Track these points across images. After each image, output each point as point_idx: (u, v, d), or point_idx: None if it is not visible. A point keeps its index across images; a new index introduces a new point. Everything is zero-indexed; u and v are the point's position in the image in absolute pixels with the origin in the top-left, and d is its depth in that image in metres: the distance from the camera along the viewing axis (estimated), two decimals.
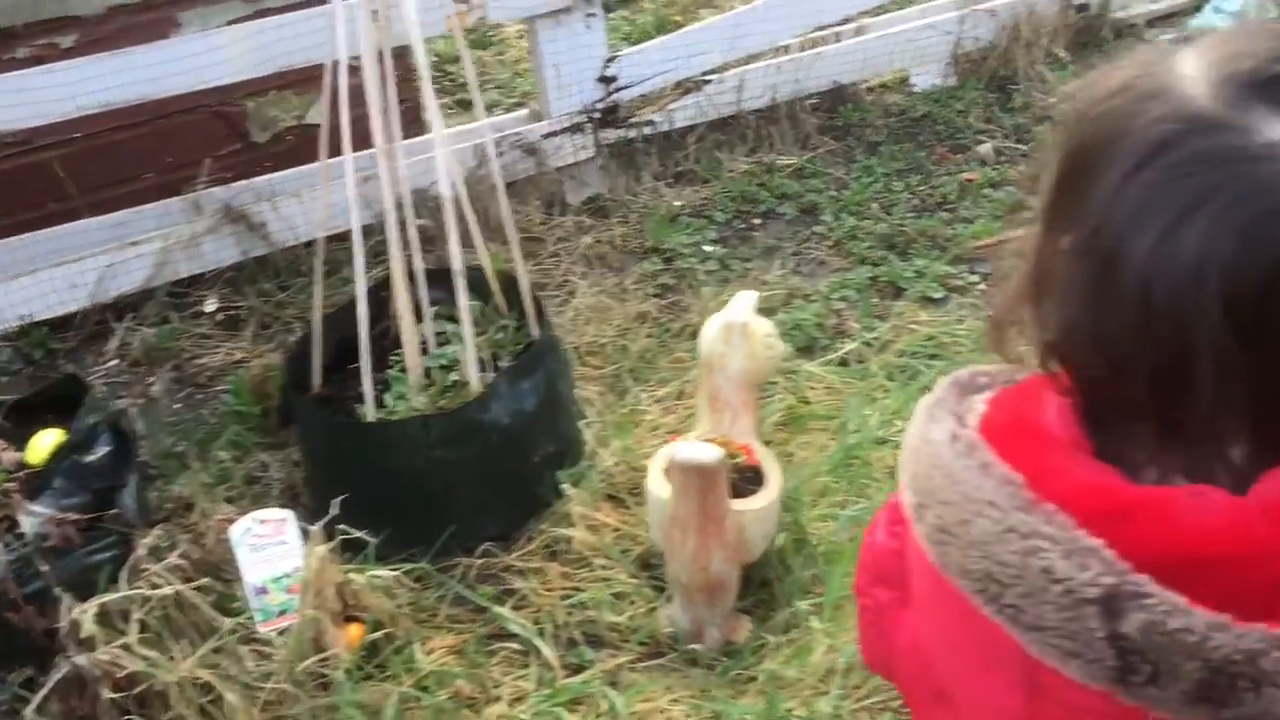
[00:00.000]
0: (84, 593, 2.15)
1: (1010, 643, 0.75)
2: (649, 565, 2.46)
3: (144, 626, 2.09)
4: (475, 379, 2.62)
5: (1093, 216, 0.70)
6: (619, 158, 4.21)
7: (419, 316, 2.80)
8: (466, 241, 2.80)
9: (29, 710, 2.03)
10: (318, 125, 2.89)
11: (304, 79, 3.71)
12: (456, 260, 2.70)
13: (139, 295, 3.54)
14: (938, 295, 3.34)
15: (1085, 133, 0.73)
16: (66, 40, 3.51)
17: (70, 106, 3.18)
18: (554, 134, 4.04)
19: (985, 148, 4.21)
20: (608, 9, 6.49)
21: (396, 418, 2.59)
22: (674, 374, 3.10)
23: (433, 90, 2.88)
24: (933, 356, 3.02)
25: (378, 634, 2.25)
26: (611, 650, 2.30)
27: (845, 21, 4.55)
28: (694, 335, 3.27)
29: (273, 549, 2.33)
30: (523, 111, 4.22)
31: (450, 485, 2.52)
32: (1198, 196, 0.65)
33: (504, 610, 2.39)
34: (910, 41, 4.50)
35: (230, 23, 3.65)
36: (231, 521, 2.41)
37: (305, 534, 2.30)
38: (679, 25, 5.11)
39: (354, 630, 2.26)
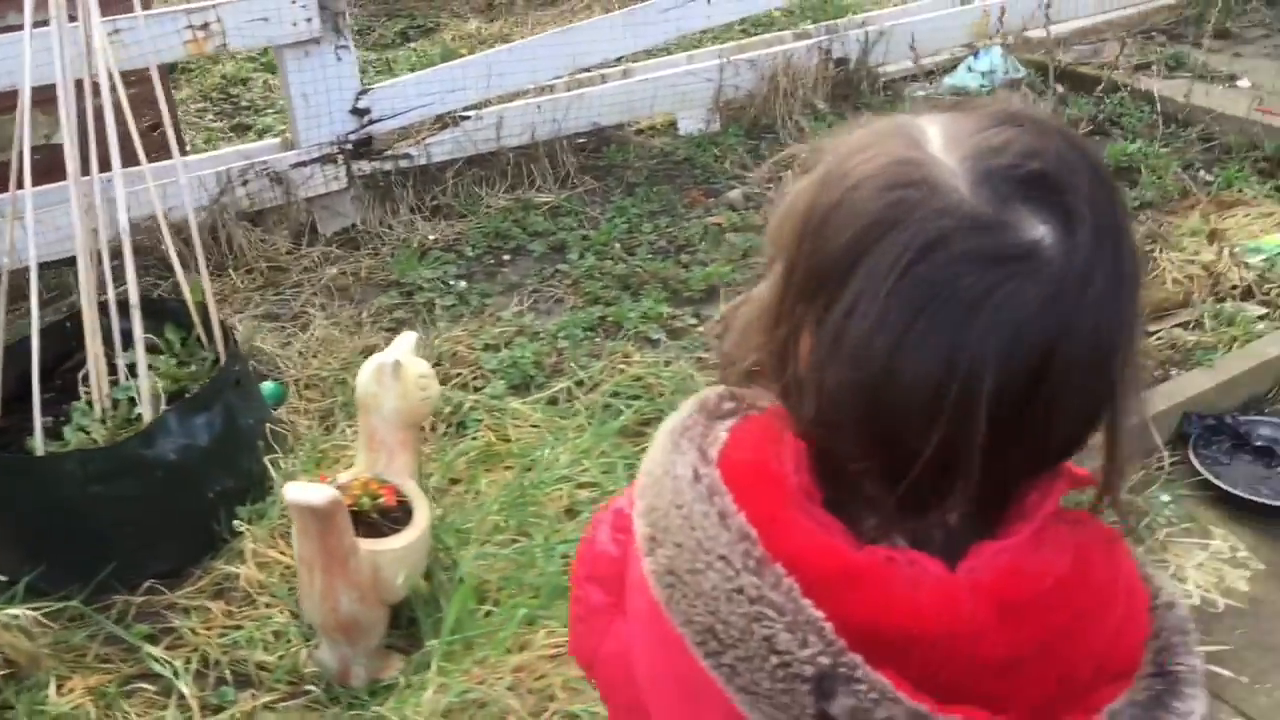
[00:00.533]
0: None
1: (719, 693, 0.74)
2: None
3: None
4: (148, 413, 2.58)
5: (853, 299, 0.69)
6: (374, 190, 4.21)
7: (119, 346, 2.75)
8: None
9: None
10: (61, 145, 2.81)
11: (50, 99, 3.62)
12: (133, 291, 2.65)
13: None
14: (655, 336, 3.43)
15: (845, 217, 0.71)
16: None
17: None
18: (303, 164, 4.01)
19: (735, 193, 4.34)
20: (407, 39, 6.54)
21: (65, 451, 2.54)
22: None
23: (133, 120, 2.82)
24: (635, 397, 3.09)
25: (4, 672, 2.19)
26: (255, 690, 2.29)
27: (611, 64, 4.66)
28: None
29: None
30: (274, 140, 4.19)
31: (112, 521, 2.47)
32: (972, 296, 0.67)
33: (154, 649, 2.35)
34: (673, 86, 4.62)
35: None
36: None
37: None
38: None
39: None
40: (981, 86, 5.06)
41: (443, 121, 4.27)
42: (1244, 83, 4.99)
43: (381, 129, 4.14)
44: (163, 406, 2.63)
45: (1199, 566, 2.49)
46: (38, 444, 2.55)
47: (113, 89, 2.71)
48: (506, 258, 4.05)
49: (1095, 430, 0.74)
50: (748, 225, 4.11)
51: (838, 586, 0.71)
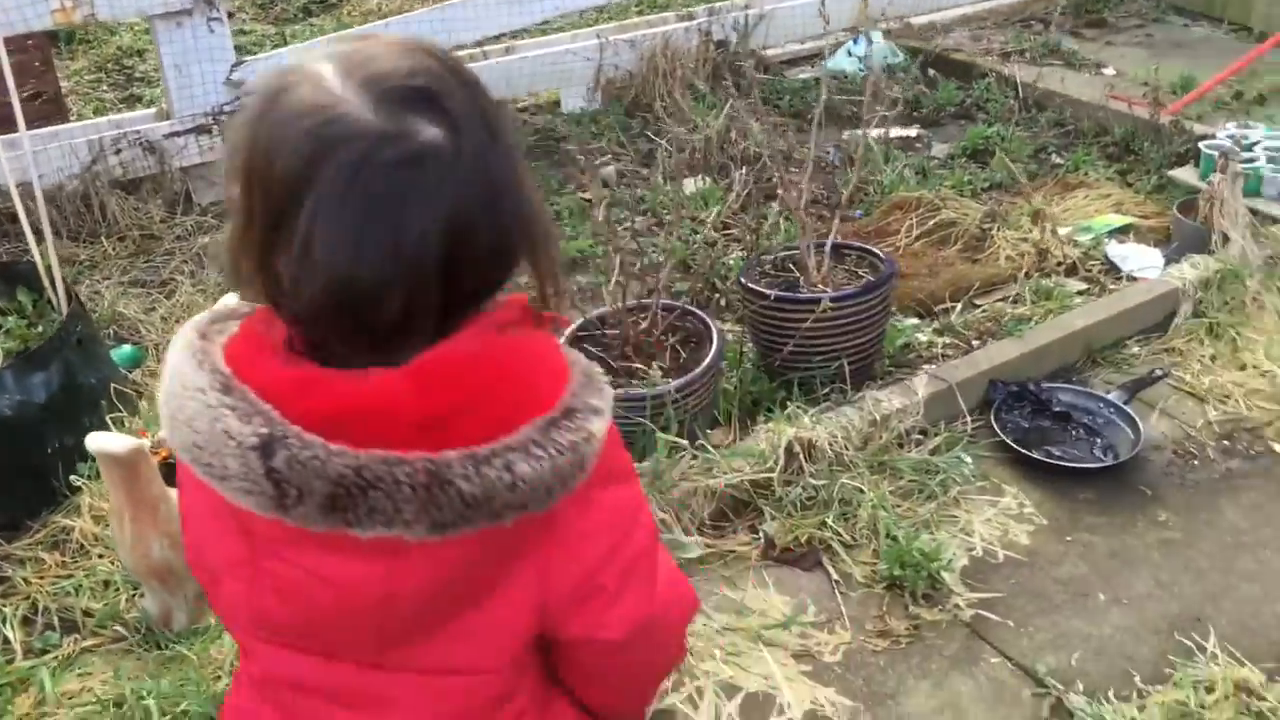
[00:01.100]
0: None
1: (224, 501, 0.93)
2: None
3: None
4: None
5: (308, 223, 0.86)
6: None
7: None
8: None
9: None
10: None
11: None
12: None
13: None
14: None
15: (282, 157, 0.87)
16: None
17: None
18: (177, 134, 4.07)
19: (609, 169, 4.46)
20: (309, 14, 6.57)
21: None
22: None
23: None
24: None
25: None
26: (79, 635, 2.38)
27: (491, 40, 4.75)
28: None
29: None
30: (149, 110, 4.24)
31: None
32: (400, 193, 0.86)
33: None
34: (554, 65, 4.72)
35: None
36: None
37: None
38: None
39: None
40: (859, 70, 5.21)
41: None
42: (1109, 70, 5.19)
43: None
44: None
45: (986, 521, 2.66)
46: None
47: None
48: None
49: (515, 269, 0.96)
50: (617, 201, 4.23)
51: (294, 391, 0.91)
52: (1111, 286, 3.43)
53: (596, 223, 3.91)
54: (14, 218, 3.50)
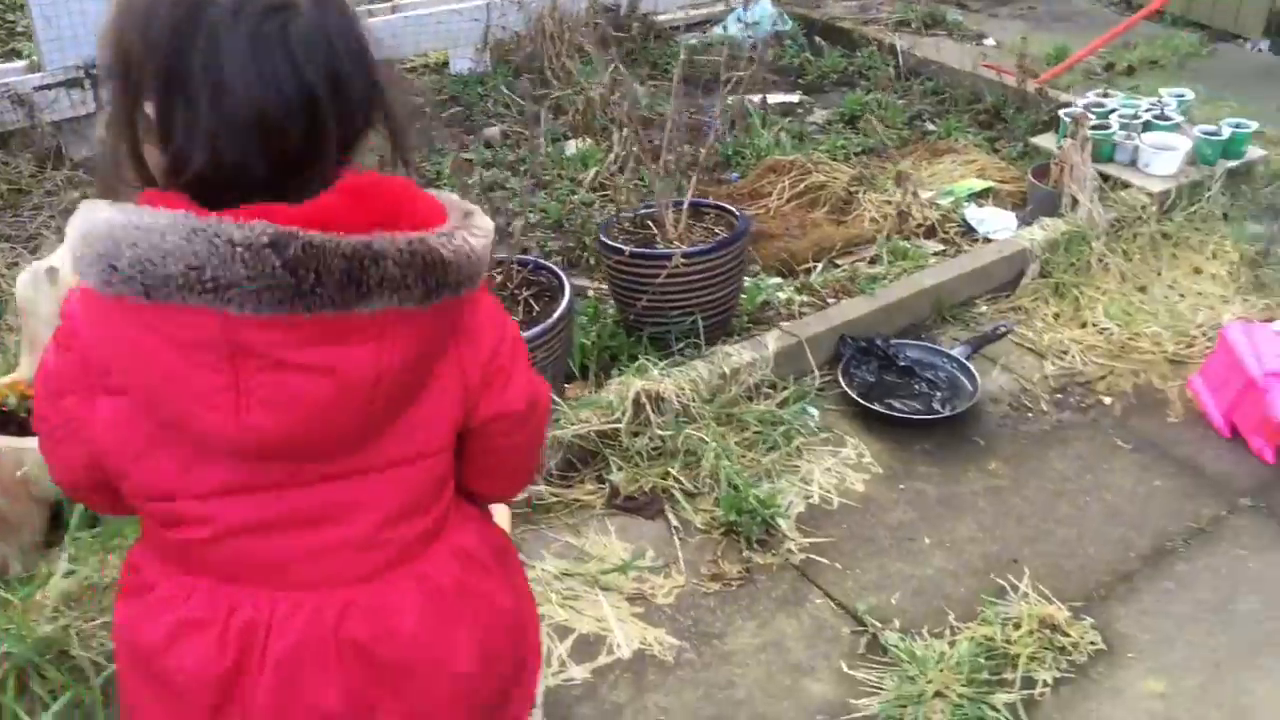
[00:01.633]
0: None
1: (209, 325, 1.02)
2: None
3: None
4: None
5: (203, 75, 1.00)
6: None
7: None
8: None
9: None
10: None
11: None
12: None
13: None
14: None
15: (159, 32, 1.01)
16: None
17: None
18: (48, 86, 4.01)
19: (493, 130, 4.48)
20: None
21: None
22: None
23: None
24: None
25: None
26: None
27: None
28: None
29: None
30: (21, 63, 4.17)
31: None
32: (283, 31, 1.01)
33: None
34: (440, 24, 4.72)
35: None
36: None
37: None
38: None
39: None
40: (746, 36, 5.28)
41: None
42: (990, 41, 5.32)
43: None
44: None
45: (826, 470, 2.75)
46: None
47: None
48: None
49: (377, 121, 1.11)
50: (498, 162, 4.26)
51: (251, 217, 1.02)
52: (966, 248, 3.54)
53: (468, 184, 3.94)
54: None
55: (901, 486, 2.71)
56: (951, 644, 2.27)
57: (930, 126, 4.46)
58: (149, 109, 1.04)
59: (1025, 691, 2.16)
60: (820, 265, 3.48)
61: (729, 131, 4.39)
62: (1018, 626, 2.30)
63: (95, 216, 1.03)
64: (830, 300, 3.27)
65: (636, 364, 2.83)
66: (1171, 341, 3.16)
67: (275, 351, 1.04)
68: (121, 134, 1.06)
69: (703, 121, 4.48)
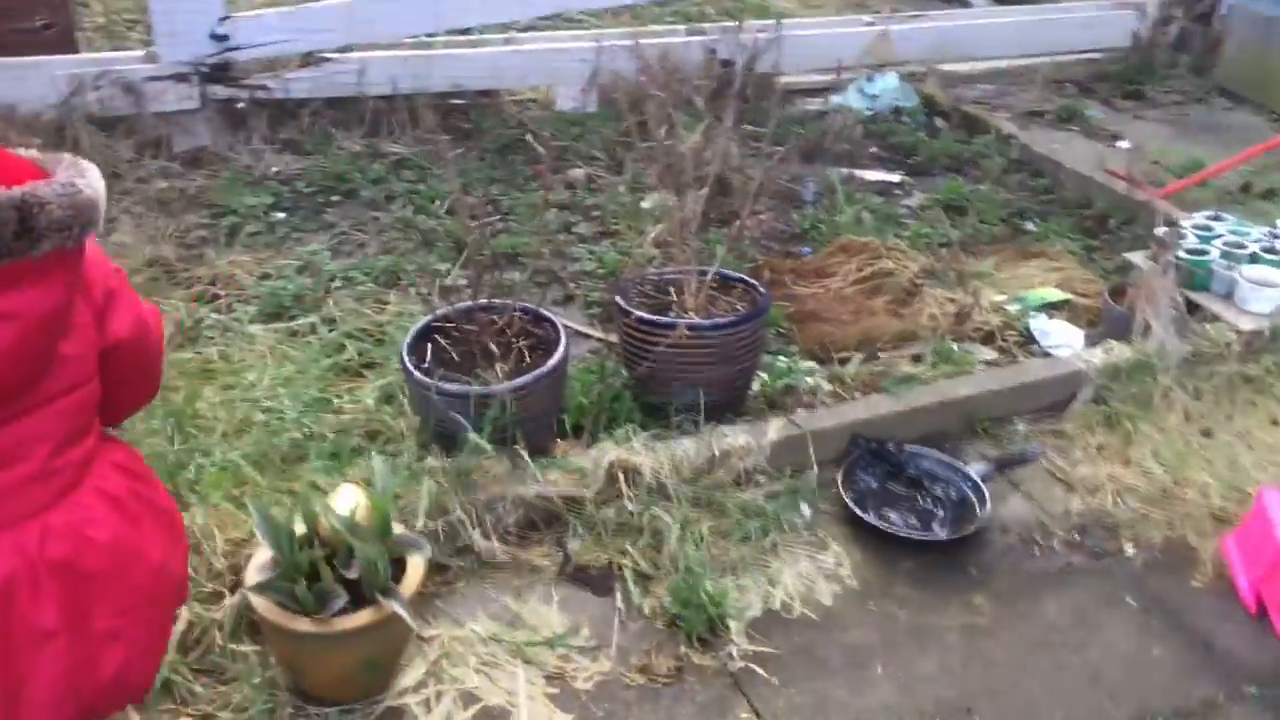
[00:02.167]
0: None
1: None
2: None
3: None
4: None
5: None
6: (228, 116, 4.37)
7: None
8: None
9: None
10: None
11: None
12: None
13: None
14: (425, 291, 3.50)
15: None
16: None
17: None
18: (157, 79, 4.18)
19: (578, 172, 4.45)
20: None
21: None
22: None
23: None
24: (380, 341, 3.21)
25: None
26: None
27: (494, 29, 4.79)
28: (190, 284, 3.47)
29: None
30: (138, 53, 4.36)
31: None
32: None
33: None
34: (544, 62, 4.73)
35: None
36: None
37: None
38: None
39: None
40: (867, 109, 5.13)
41: (306, 60, 4.42)
42: (1124, 143, 5.01)
43: (241, 57, 4.30)
44: None
45: (797, 574, 2.58)
46: None
47: None
48: (336, 199, 4.19)
49: None
50: (575, 204, 4.22)
51: None
52: (1021, 359, 3.31)
53: (540, 224, 3.92)
54: None
55: (872, 606, 2.52)
56: None
57: (1029, 226, 4.21)
58: None
59: None
60: (861, 356, 3.30)
61: (814, 204, 4.26)
62: None
63: None
64: (857, 394, 3.09)
65: (618, 432, 2.73)
66: (1221, 495, 2.86)
67: None
68: None
69: (791, 190, 4.37)
